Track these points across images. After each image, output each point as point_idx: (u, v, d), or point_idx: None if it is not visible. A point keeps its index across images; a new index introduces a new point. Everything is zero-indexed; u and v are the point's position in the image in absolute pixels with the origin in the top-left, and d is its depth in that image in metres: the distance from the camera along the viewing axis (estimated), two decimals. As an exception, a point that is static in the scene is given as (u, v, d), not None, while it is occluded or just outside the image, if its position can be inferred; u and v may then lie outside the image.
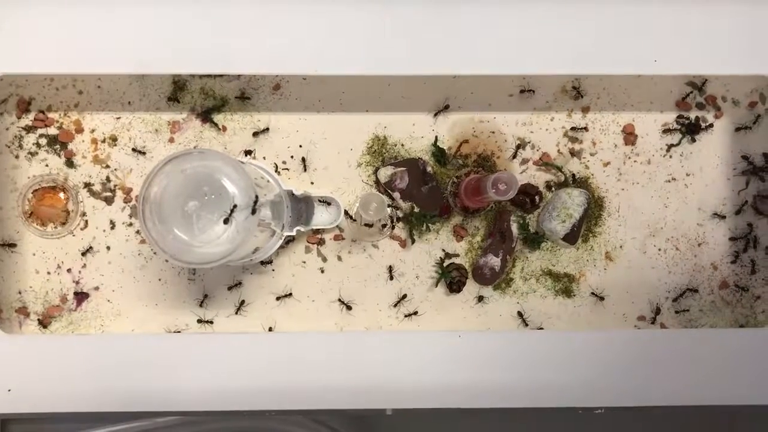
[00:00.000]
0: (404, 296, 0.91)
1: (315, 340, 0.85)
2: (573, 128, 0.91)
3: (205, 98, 0.90)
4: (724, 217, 0.91)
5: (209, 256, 0.70)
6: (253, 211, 0.70)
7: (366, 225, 0.83)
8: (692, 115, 0.92)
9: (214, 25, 0.83)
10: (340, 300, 0.90)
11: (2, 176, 0.89)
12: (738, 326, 0.92)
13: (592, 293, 0.92)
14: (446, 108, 0.90)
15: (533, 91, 0.90)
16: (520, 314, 0.91)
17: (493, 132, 0.92)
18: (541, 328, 0.91)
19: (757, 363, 0.85)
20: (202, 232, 0.71)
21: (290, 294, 0.90)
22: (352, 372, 0.84)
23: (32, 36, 0.82)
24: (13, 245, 0.89)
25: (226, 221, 0.70)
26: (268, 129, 0.90)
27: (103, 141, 0.90)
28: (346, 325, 0.91)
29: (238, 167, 0.70)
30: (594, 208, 0.92)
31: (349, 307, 0.90)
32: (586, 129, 0.91)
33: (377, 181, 0.91)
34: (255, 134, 0.89)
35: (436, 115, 0.90)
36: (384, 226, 0.89)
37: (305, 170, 0.90)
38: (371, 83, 0.90)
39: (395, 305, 0.91)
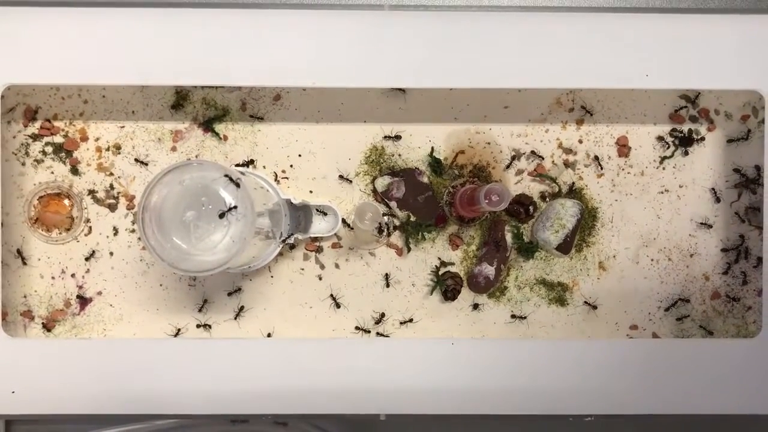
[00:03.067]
0: (383, 315, 0.92)
1: (312, 346, 0.87)
2: (595, 157, 0.93)
3: (207, 108, 0.92)
4: (711, 226, 0.93)
5: (207, 264, 0.72)
6: (237, 185, 0.72)
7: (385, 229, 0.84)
8: (685, 127, 0.93)
9: (216, 38, 0.85)
10: (331, 296, 0.92)
11: (9, 183, 0.91)
12: (729, 336, 0.93)
13: (585, 302, 0.93)
14: (397, 138, 0.92)
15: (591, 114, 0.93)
16: (514, 316, 0.93)
17: (489, 143, 0.93)
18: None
19: (748, 373, 0.86)
20: (200, 241, 0.73)
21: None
22: (347, 377, 0.85)
23: (39, 47, 0.84)
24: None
25: (221, 216, 0.72)
26: (400, 136, 0.92)
27: (107, 149, 0.92)
28: (341, 331, 0.93)
29: (236, 178, 0.72)
30: (588, 219, 0.93)
31: (338, 305, 0.92)
32: (601, 167, 0.93)
33: (374, 191, 0.93)
34: (386, 138, 0.92)
35: (386, 138, 0.92)
36: (381, 232, 0.91)
37: (350, 182, 0.92)
38: (369, 95, 0.92)
39: (377, 322, 0.92)
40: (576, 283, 0.94)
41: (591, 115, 0.93)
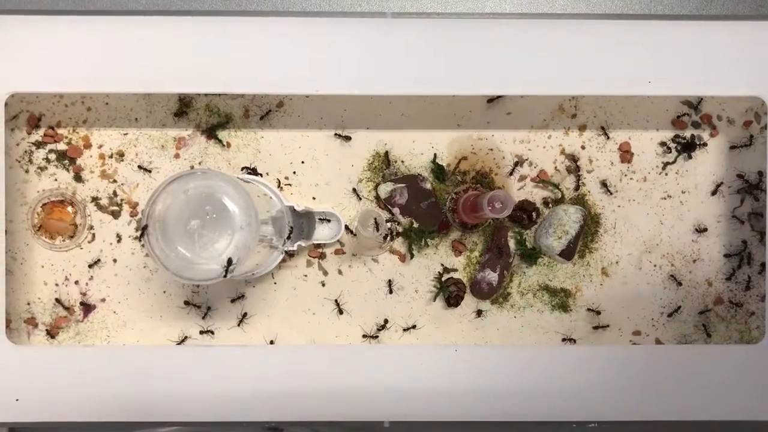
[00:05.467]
0: (386, 321, 0.93)
1: (315, 353, 0.87)
2: (603, 182, 0.93)
3: (210, 115, 0.93)
4: (706, 229, 0.93)
5: (210, 272, 0.72)
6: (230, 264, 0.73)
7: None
8: (688, 133, 0.93)
9: (219, 46, 0.85)
10: (335, 302, 0.92)
11: (12, 190, 0.91)
12: (732, 342, 0.94)
13: (588, 309, 0.93)
14: (347, 138, 0.92)
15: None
16: (596, 327, 0.93)
17: (492, 149, 0.93)
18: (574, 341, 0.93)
19: (751, 378, 0.86)
20: (204, 250, 0.73)
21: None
22: (350, 384, 0.86)
23: (42, 55, 0.84)
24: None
25: (229, 263, 0.72)
26: (350, 137, 0.93)
27: (111, 156, 0.93)
28: (345, 337, 0.93)
29: (239, 187, 0.72)
30: (590, 225, 0.93)
31: (341, 311, 0.92)
32: (611, 192, 0.93)
33: (377, 197, 0.93)
34: (337, 135, 0.92)
35: (336, 135, 0.92)
36: (384, 238, 0.91)
37: (360, 199, 0.93)
38: (372, 102, 0.92)
39: (380, 329, 0.93)
40: (579, 289, 0.94)
41: (608, 138, 0.93)
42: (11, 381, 0.85)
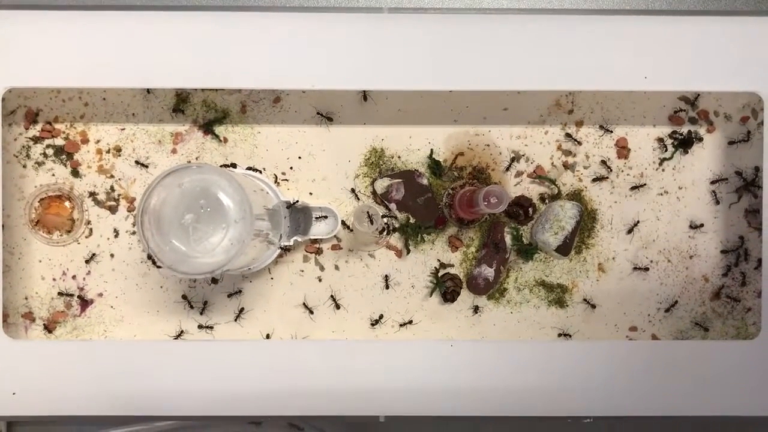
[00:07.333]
0: (381, 317, 0.93)
1: (311, 348, 0.87)
2: (633, 186, 0.93)
3: (207, 110, 0.93)
4: (702, 225, 0.93)
5: (205, 266, 0.72)
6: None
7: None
8: (684, 129, 0.93)
9: (216, 41, 0.85)
10: (332, 297, 0.93)
11: (10, 185, 0.91)
12: (729, 338, 0.94)
13: (584, 300, 0.93)
14: (329, 119, 0.92)
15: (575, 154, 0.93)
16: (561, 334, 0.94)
17: (488, 145, 0.93)
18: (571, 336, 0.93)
19: (747, 374, 0.86)
20: (198, 244, 0.73)
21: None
22: (346, 379, 0.86)
23: (40, 50, 0.85)
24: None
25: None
26: (331, 118, 0.92)
27: (108, 151, 0.93)
28: (341, 332, 0.93)
29: (234, 181, 0.72)
30: (587, 220, 0.93)
31: (337, 306, 0.93)
32: (608, 167, 0.93)
33: (374, 192, 0.93)
34: (318, 114, 0.92)
35: (319, 114, 0.92)
36: (381, 232, 0.91)
37: (358, 199, 0.93)
38: (369, 97, 0.92)
39: (373, 325, 0.93)
40: (575, 285, 0.94)
41: (611, 132, 0.93)
42: (8, 375, 0.85)
